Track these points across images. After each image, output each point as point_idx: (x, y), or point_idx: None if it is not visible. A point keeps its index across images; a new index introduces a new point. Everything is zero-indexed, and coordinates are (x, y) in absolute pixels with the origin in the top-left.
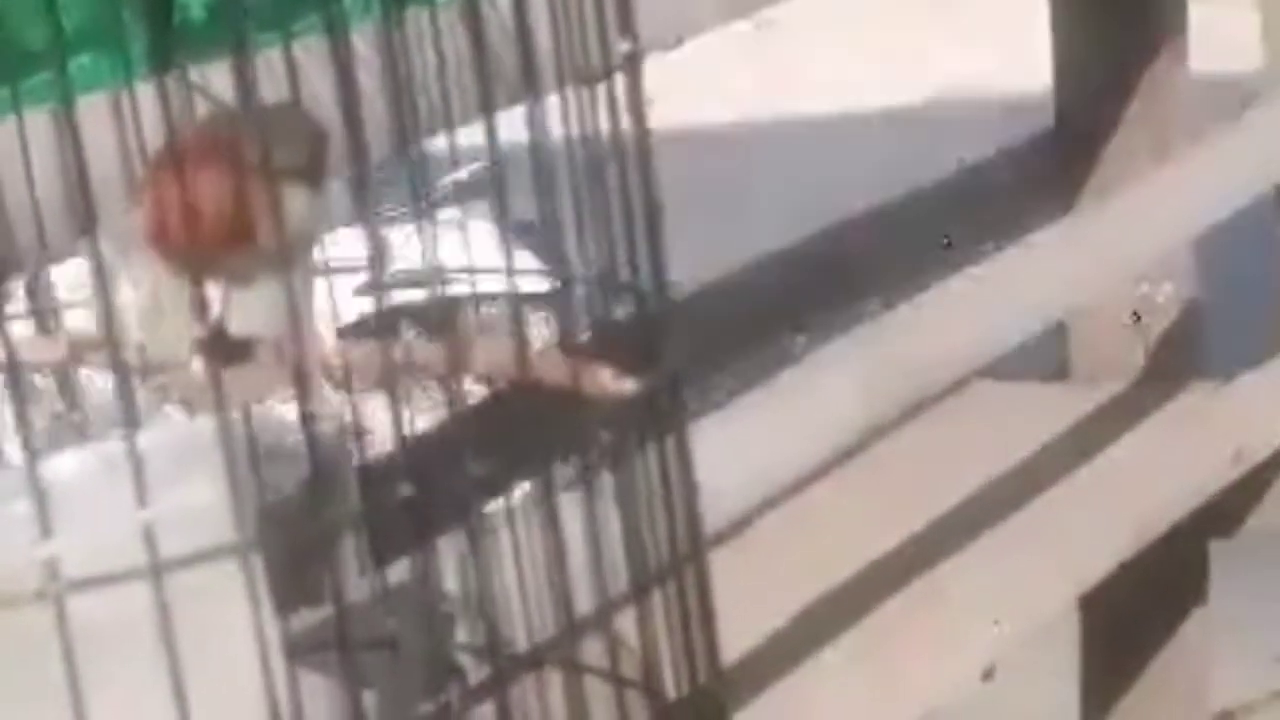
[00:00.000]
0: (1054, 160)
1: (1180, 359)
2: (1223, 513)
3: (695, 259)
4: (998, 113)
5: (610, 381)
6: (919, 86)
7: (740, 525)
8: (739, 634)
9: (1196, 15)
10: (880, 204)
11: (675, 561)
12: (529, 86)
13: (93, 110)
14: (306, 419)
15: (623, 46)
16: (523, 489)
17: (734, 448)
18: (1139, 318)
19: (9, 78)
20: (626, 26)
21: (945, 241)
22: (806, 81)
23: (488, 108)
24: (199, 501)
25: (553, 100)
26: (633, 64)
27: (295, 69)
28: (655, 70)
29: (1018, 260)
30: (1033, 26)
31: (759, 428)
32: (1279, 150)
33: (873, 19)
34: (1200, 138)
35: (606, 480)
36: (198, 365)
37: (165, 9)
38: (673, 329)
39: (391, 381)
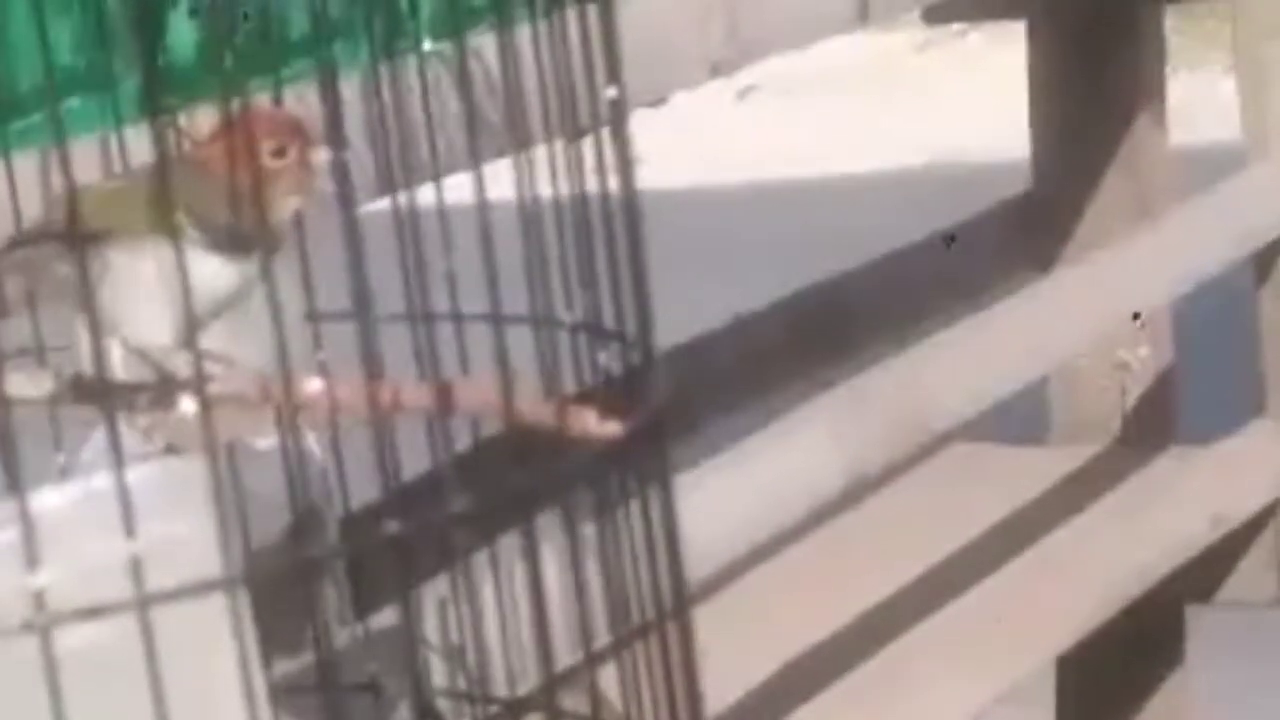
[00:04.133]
0: (1031, 224)
1: (1157, 423)
2: (1200, 577)
3: (673, 318)
4: (977, 178)
5: (595, 424)
6: (898, 153)
7: (719, 584)
8: (718, 689)
9: (1174, 83)
10: (860, 266)
11: (659, 611)
12: (516, 136)
13: (81, 153)
14: (290, 458)
15: (609, 93)
16: (507, 534)
17: (712, 506)
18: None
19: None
20: (613, 74)
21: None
22: (787, 148)
23: (475, 158)
24: (187, 536)
25: (540, 149)
26: (618, 111)
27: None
28: (638, 133)
29: (993, 322)
30: (1012, 92)
31: (736, 486)
32: (1256, 216)
33: (853, 87)
34: (1178, 203)
35: (590, 528)
36: (186, 405)
37: (153, 52)
38: (657, 375)
39: (378, 421)
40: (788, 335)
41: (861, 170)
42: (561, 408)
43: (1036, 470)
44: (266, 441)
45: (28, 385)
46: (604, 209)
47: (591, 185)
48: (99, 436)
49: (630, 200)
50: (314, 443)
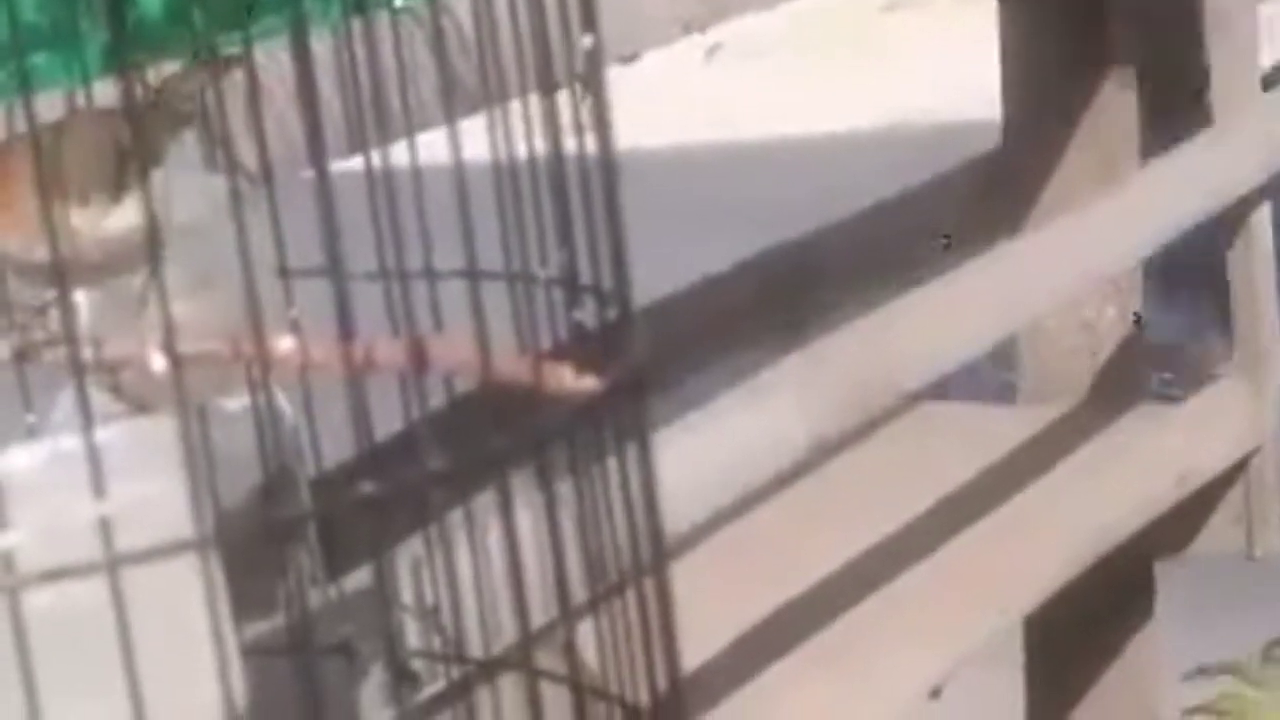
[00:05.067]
0: (1000, 183)
1: (1126, 382)
2: (1169, 533)
3: (640, 278)
4: (946, 140)
5: (571, 380)
6: (866, 114)
7: (688, 542)
8: (692, 647)
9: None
10: (828, 226)
11: (636, 567)
12: (490, 89)
13: (49, 110)
14: (262, 417)
15: (585, 42)
16: (482, 492)
17: (676, 467)
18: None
19: None
20: (589, 23)
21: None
22: (756, 107)
23: (450, 115)
24: (157, 496)
25: (515, 105)
26: (594, 61)
27: (254, 70)
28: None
29: (961, 283)
30: (981, 54)
31: (700, 449)
32: (1224, 175)
33: (820, 48)
34: (1146, 163)
35: (567, 483)
36: (156, 362)
37: (120, 8)
38: (635, 329)
39: (351, 379)
40: (756, 295)
41: (829, 130)
42: (537, 364)
43: (1005, 429)
44: (237, 400)
45: None
46: (580, 163)
47: (568, 140)
48: (68, 396)
49: (607, 153)
50: (285, 401)
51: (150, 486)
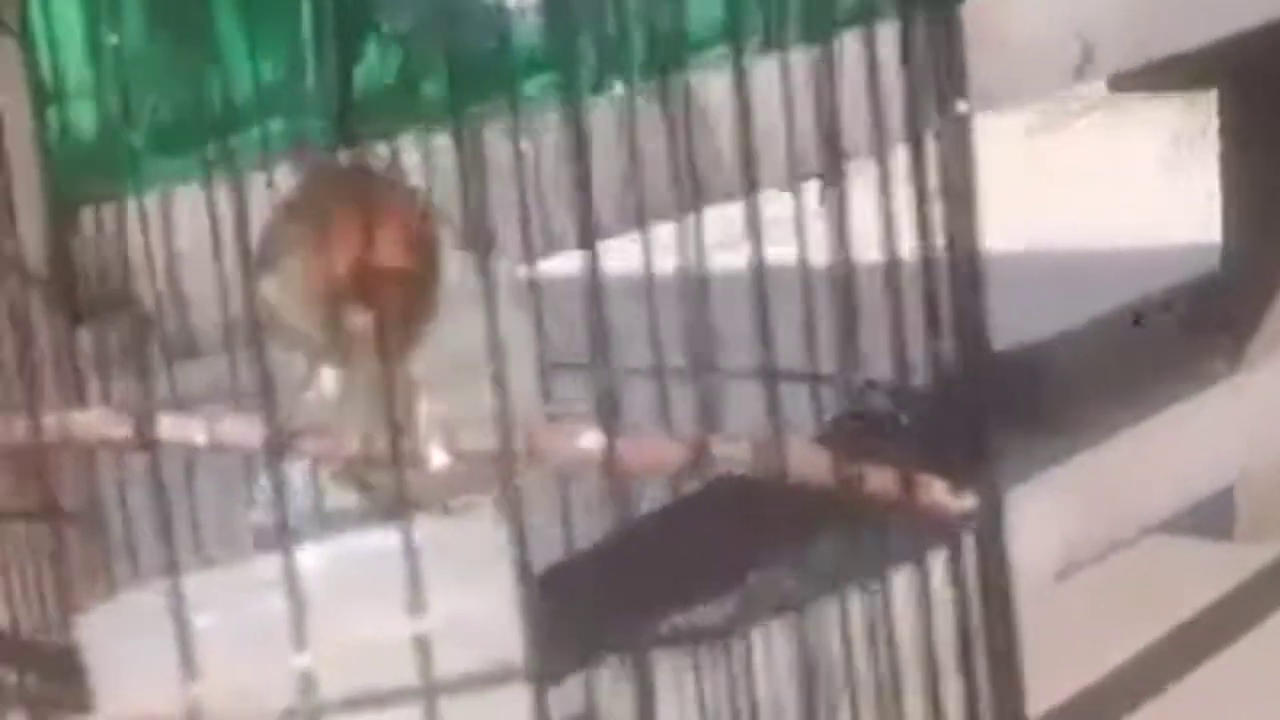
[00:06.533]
0: (1220, 305)
1: None
2: None
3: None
4: (1160, 256)
5: (946, 497)
6: (1079, 227)
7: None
8: None
9: None
10: (1040, 342)
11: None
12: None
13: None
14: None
15: (960, 107)
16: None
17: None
18: None
19: (198, 145)
20: (958, 87)
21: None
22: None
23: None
24: (477, 612)
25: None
26: (963, 127)
27: (480, 148)
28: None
29: (1192, 416)
30: (1142, 176)
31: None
32: None
33: (1032, 157)
34: None
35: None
36: (437, 458)
37: (348, 82)
38: (991, 434)
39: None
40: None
41: (1039, 244)
42: (908, 479)
43: (1223, 566)
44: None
45: (247, 431)
46: (926, 257)
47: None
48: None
49: (970, 243)
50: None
51: (467, 600)
